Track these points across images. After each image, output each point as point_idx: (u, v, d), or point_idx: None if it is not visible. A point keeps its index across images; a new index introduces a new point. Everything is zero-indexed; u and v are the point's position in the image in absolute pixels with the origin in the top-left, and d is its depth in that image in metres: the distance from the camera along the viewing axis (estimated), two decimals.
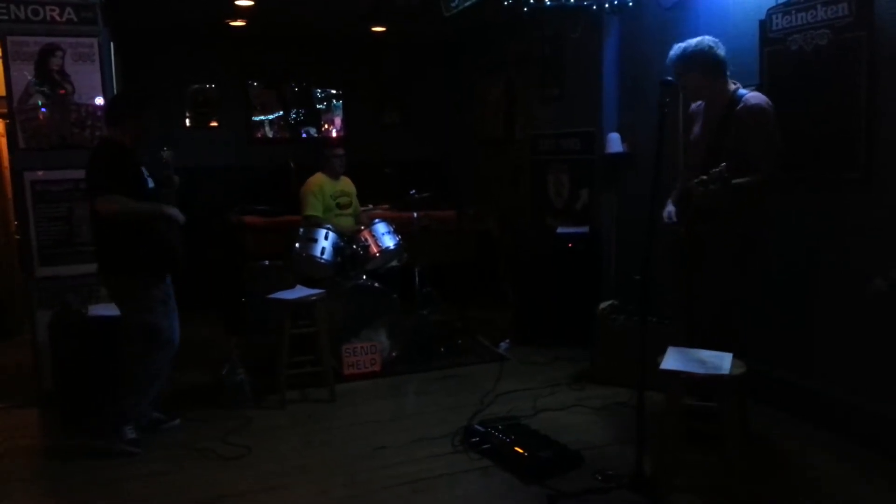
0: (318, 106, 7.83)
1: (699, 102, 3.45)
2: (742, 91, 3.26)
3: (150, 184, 3.62)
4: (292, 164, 6.83)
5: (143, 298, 3.50)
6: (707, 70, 3.23)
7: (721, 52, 3.24)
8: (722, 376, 2.65)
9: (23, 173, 4.22)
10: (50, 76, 4.20)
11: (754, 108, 3.14)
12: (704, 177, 2.98)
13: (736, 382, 2.69)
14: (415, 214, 5.15)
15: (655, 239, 2.91)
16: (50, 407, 4.03)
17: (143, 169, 3.59)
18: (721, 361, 2.75)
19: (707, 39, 3.25)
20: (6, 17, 4.09)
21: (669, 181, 3.57)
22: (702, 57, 3.22)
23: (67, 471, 3.34)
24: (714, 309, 3.30)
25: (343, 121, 7.86)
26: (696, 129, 3.42)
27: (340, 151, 5.20)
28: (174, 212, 3.59)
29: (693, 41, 3.26)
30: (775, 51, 3.68)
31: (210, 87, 7.28)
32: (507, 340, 5.19)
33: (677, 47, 3.28)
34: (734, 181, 2.98)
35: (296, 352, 4.18)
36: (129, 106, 3.60)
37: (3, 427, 3.91)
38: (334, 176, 5.17)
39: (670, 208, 3.44)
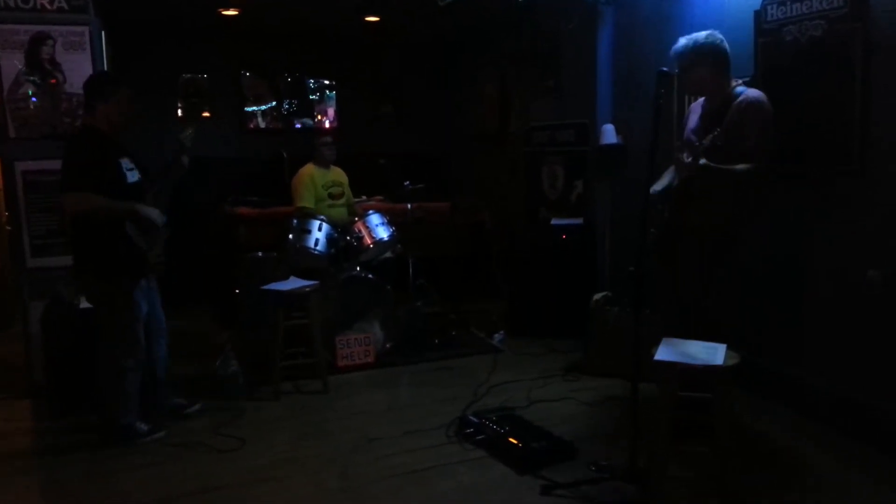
0: (311, 97, 7.79)
1: (701, 99, 3.44)
2: (741, 88, 3.25)
3: (133, 177, 3.44)
4: (285, 155, 6.80)
5: (109, 303, 3.40)
6: (717, 64, 3.21)
7: (727, 48, 3.23)
8: (716, 367, 2.65)
9: (13, 163, 4.18)
10: (41, 65, 4.16)
11: (754, 102, 3.14)
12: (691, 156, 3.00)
13: (730, 374, 2.69)
14: (409, 206, 5.14)
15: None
16: (41, 399, 4.01)
17: (124, 161, 3.42)
18: (715, 353, 2.75)
19: (716, 33, 3.23)
20: None
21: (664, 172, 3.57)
22: (714, 50, 3.20)
23: (60, 463, 3.32)
24: (690, 299, 3.31)
25: (336, 112, 7.82)
26: (693, 123, 3.41)
27: (329, 139, 5.17)
28: (151, 213, 3.40)
29: (702, 34, 3.22)
30: (770, 42, 3.68)
31: (202, 77, 7.22)
32: (501, 332, 5.19)
33: (687, 39, 3.24)
34: (726, 167, 2.98)
35: (289, 343, 4.17)
36: (98, 89, 3.40)
37: None
38: (325, 165, 5.15)
39: (656, 187, 3.41)
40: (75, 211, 3.26)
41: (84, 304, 3.95)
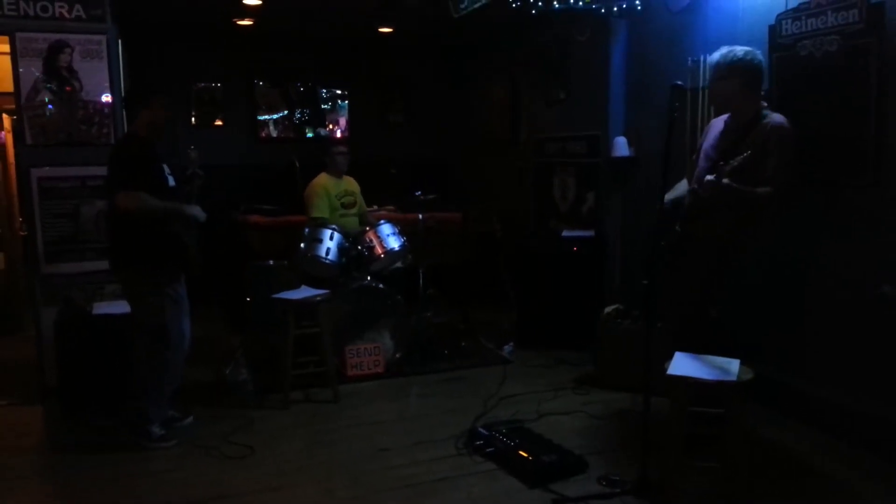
0: (323, 106, 7.83)
1: (724, 115, 3.43)
2: (766, 112, 3.25)
3: (171, 182, 3.60)
4: (297, 164, 6.82)
5: (154, 296, 3.49)
6: (747, 80, 3.20)
7: (763, 67, 3.23)
8: (730, 383, 2.64)
9: (29, 170, 4.23)
10: (58, 73, 4.21)
11: (780, 127, 3.14)
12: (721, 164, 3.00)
13: (743, 389, 2.67)
14: (420, 216, 5.15)
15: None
16: (53, 402, 4.03)
17: (165, 166, 3.59)
18: (729, 367, 2.74)
19: (756, 52, 3.23)
20: (15, 14, 4.10)
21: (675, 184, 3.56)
22: (748, 67, 3.19)
23: (70, 468, 3.34)
24: (694, 310, 3.30)
25: (348, 121, 7.86)
26: (711, 138, 3.40)
27: (343, 149, 5.20)
28: (195, 210, 3.60)
29: (741, 49, 3.21)
30: (784, 56, 3.67)
31: (215, 86, 7.28)
32: (511, 343, 5.18)
33: (727, 50, 3.23)
34: (747, 188, 2.97)
35: (299, 352, 4.17)
36: (137, 98, 3.59)
37: (5, 423, 3.91)
38: (338, 175, 5.17)
39: (668, 196, 3.40)
40: (128, 209, 3.36)
41: (97, 310, 3.98)
